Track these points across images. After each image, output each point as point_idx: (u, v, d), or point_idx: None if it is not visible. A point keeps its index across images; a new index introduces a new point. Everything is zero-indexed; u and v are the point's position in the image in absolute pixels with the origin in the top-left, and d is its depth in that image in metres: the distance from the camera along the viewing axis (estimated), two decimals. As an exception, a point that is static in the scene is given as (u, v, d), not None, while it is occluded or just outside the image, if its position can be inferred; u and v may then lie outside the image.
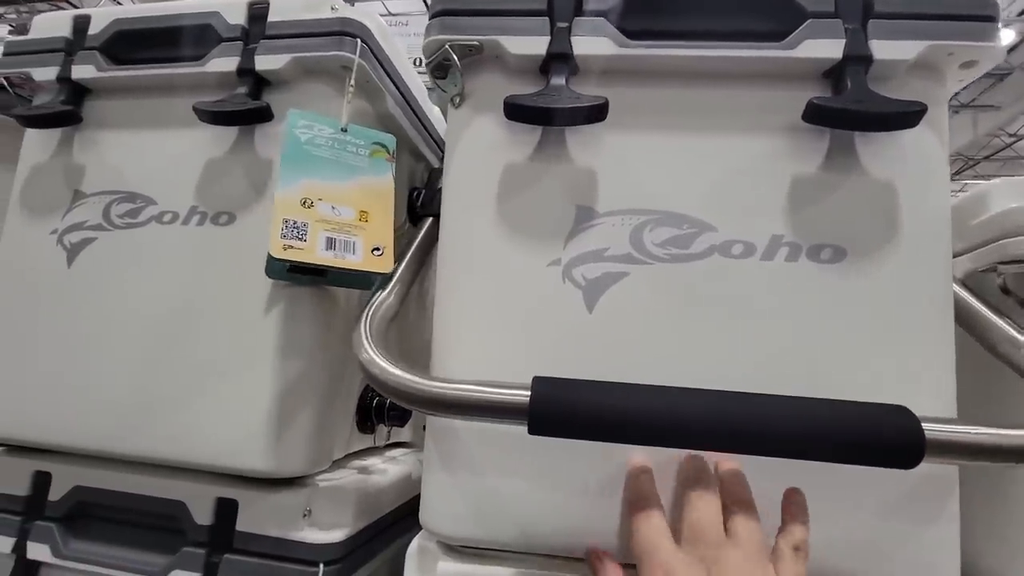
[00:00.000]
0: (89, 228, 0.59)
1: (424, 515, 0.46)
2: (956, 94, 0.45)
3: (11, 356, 0.59)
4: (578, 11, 0.46)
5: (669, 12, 0.45)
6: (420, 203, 0.68)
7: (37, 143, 0.63)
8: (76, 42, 0.62)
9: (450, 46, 0.46)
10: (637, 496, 0.39)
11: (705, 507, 0.36)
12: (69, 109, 0.59)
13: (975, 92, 6.51)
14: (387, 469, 0.67)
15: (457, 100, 0.49)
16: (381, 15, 7.56)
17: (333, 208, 0.50)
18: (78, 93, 0.62)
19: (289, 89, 0.57)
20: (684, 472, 0.40)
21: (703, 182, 0.44)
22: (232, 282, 0.54)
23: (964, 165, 8.19)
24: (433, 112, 0.78)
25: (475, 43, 0.46)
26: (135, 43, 0.60)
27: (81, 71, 0.60)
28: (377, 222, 0.51)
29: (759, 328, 0.43)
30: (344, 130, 0.54)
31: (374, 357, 0.42)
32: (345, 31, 0.55)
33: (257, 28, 0.57)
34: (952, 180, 0.46)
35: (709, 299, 0.43)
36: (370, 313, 0.46)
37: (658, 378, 0.42)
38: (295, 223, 0.48)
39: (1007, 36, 5.71)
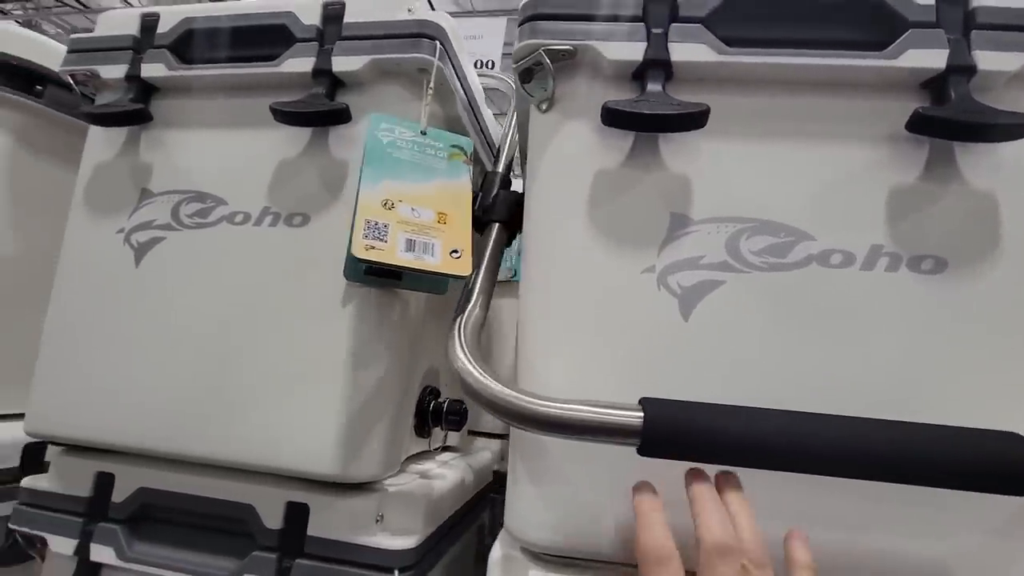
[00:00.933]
0: (157, 227, 0.59)
1: (512, 524, 0.45)
2: None
3: (76, 355, 0.58)
4: (673, 17, 0.46)
5: (767, 19, 0.45)
6: (482, 208, 0.68)
7: (101, 141, 0.63)
8: (144, 40, 0.61)
9: (544, 51, 0.46)
10: (654, 549, 0.35)
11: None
12: (140, 108, 0.59)
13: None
14: (445, 474, 0.66)
15: (545, 105, 0.48)
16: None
17: (413, 210, 0.49)
18: (146, 91, 0.61)
19: (364, 91, 0.57)
20: (704, 524, 0.35)
21: (800, 190, 0.44)
22: (307, 283, 0.54)
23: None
24: (487, 115, 0.77)
25: (569, 48, 0.46)
26: (205, 42, 0.60)
27: (151, 69, 0.60)
28: (456, 224, 0.50)
29: (858, 339, 0.42)
30: (423, 133, 0.53)
31: (473, 370, 0.41)
32: (424, 33, 0.55)
33: (332, 29, 0.57)
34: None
35: (807, 308, 0.43)
36: (462, 323, 0.45)
37: (754, 388, 0.42)
38: (376, 224, 0.48)
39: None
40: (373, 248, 0.45)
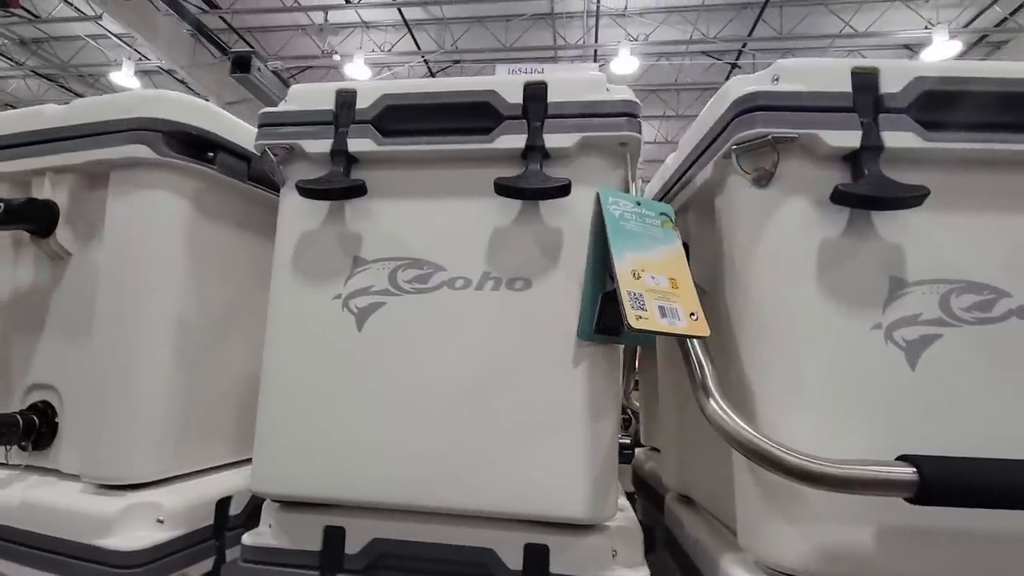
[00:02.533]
0: (376, 293, 0.63)
1: (763, 551, 0.52)
2: None
3: (301, 416, 0.62)
4: (878, 107, 0.53)
5: (960, 107, 0.53)
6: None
7: (303, 211, 0.66)
8: (344, 115, 0.65)
9: (773, 138, 0.53)
10: None
11: None
12: (360, 183, 0.62)
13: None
14: (626, 504, 0.72)
15: (764, 182, 0.55)
16: (353, 23, 7.45)
17: (653, 278, 0.55)
18: (349, 164, 0.65)
19: (567, 164, 0.62)
20: None
21: (995, 254, 0.52)
22: (534, 342, 0.59)
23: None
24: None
25: (795, 136, 0.53)
26: (406, 118, 0.64)
27: (358, 144, 0.64)
28: (685, 288, 0.56)
29: (1054, 379, 0.51)
30: (639, 203, 0.59)
31: (743, 430, 0.48)
32: (627, 112, 0.61)
33: (536, 107, 0.62)
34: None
35: (1011, 356, 0.51)
36: (711, 381, 0.52)
37: (973, 428, 0.50)
38: (635, 295, 0.53)
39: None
40: (641, 317, 0.51)
